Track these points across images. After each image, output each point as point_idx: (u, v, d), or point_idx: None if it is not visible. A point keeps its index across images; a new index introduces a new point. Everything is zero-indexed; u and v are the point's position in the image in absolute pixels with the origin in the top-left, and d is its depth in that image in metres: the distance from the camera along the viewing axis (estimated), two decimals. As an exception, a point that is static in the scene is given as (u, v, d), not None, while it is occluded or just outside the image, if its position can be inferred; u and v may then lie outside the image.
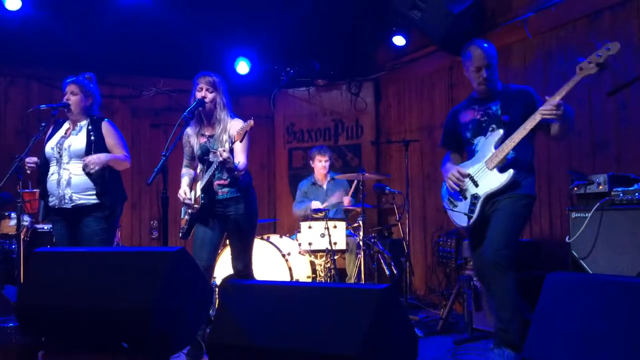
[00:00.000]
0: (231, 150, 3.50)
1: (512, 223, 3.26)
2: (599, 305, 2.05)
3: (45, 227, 4.75)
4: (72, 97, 3.81)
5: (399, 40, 5.91)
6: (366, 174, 5.07)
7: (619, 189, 3.41)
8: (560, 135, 3.30)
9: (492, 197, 3.33)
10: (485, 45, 3.47)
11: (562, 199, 4.47)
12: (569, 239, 3.58)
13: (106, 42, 5.71)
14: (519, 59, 4.96)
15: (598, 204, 3.44)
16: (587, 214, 3.49)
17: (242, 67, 6.39)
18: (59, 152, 3.74)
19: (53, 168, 3.75)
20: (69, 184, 3.68)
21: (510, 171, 3.26)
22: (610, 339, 1.95)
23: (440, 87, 5.87)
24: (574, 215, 3.61)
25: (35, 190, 4.85)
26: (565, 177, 4.24)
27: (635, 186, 3.37)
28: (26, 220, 4.60)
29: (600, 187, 3.50)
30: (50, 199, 3.75)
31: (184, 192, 3.74)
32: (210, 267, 3.71)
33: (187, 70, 6.49)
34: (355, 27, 6.35)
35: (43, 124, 3.87)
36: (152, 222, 6.57)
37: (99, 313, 2.54)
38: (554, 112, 3.13)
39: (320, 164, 5.70)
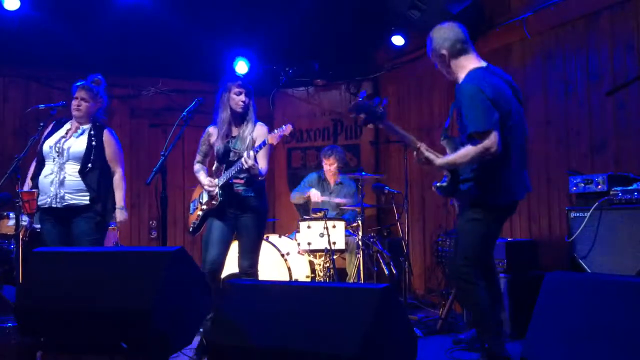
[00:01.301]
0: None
1: (463, 243, 3.15)
2: (598, 304, 2.05)
3: (44, 227, 4.74)
4: (84, 103, 3.85)
5: (397, 40, 5.91)
6: (365, 174, 5.07)
7: (618, 189, 3.41)
8: None
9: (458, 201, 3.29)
10: (429, 41, 3.20)
11: (561, 198, 4.47)
12: (568, 238, 3.58)
13: (105, 42, 5.70)
14: (518, 59, 4.96)
15: (597, 203, 3.45)
16: (586, 214, 3.50)
17: (241, 67, 6.39)
18: (57, 152, 3.74)
19: (49, 167, 3.75)
20: (62, 184, 3.71)
21: (436, 185, 3.24)
22: (609, 338, 1.95)
23: (439, 87, 5.87)
24: (573, 214, 3.61)
25: (34, 190, 4.83)
26: (564, 177, 4.24)
27: (634, 185, 3.37)
28: (25, 220, 4.58)
29: (599, 186, 3.51)
30: (41, 198, 3.76)
31: (210, 181, 3.76)
32: (221, 264, 3.75)
33: (186, 70, 6.55)
34: (354, 27, 6.35)
35: (41, 124, 3.88)
36: (151, 222, 6.56)
37: (98, 313, 2.54)
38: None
39: (326, 167, 5.69)
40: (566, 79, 4.52)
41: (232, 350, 2.50)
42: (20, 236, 4.17)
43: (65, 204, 3.70)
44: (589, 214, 3.47)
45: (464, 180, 3.12)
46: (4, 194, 4.49)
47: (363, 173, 5.11)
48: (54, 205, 3.70)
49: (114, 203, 3.90)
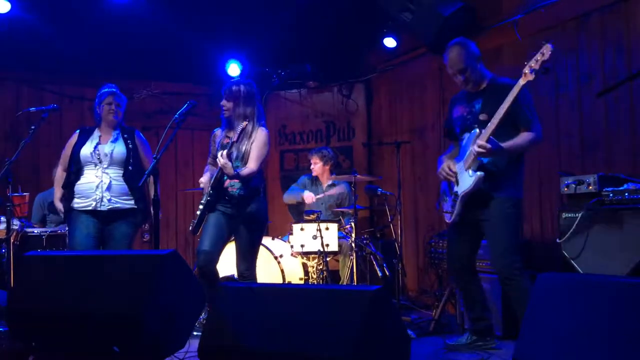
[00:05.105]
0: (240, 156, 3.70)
1: (508, 235, 3.33)
2: (590, 305, 2.06)
3: (36, 231, 4.72)
4: (119, 110, 3.98)
5: (389, 42, 5.92)
6: (358, 176, 5.07)
7: (609, 189, 3.42)
8: None
9: (470, 198, 3.35)
10: (461, 47, 3.45)
11: (553, 199, 4.49)
12: (559, 239, 3.60)
13: (96, 44, 5.68)
14: (509, 61, 4.97)
15: (588, 204, 3.46)
16: (577, 215, 3.51)
17: (233, 69, 6.37)
18: (98, 158, 3.84)
19: (90, 172, 3.84)
20: (109, 187, 3.82)
21: (478, 174, 3.27)
22: (601, 339, 1.96)
23: (431, 88, 5.88)
24: (564, 215, 3.62)
25: (25, 194, 4.81)
26: (556, 177, 4.26)
27: (625, 186, 3.38)
28: (16, 224, 4.57)
29: (590, 187, 3.51)
30: (80, 201, 3.81)
31: (204, 178, 3.87)
32: (213, 258, 3.68)
33: (178, 73, 6.53)
34: (346, 29, 6.36)
35: (33, 127, 3.86)
36: (143, 225, 6.54)
37: (90, 317, 2.53)
38: (481, 151, 3.16)
39: (312, 166, 5.69)
40: (557, 80, 4.55)
41: (224, 353, 2.49)
42: (12, 240, 4.16)
43: (111, 206, 3.82)
44: (580, 214, 3.48)
45: (494, 177, 3.30)
46: (-6, 198, 4.46)
47: (356, 174, 5.11)
48: (98, 209, 3.80)
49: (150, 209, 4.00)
